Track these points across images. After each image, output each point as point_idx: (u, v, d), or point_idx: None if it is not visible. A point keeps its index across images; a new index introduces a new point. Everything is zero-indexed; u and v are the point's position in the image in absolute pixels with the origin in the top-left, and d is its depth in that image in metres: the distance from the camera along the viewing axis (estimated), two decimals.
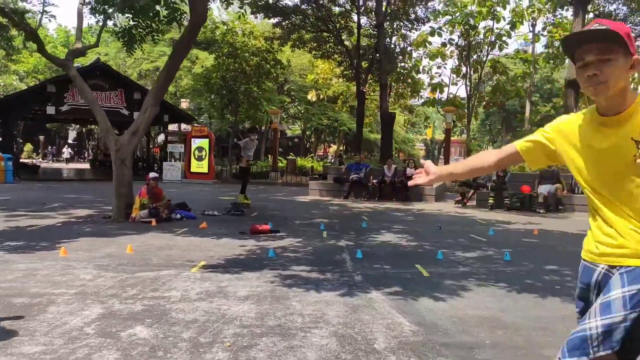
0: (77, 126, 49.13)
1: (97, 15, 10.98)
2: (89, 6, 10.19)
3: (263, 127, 38.83)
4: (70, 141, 55.50)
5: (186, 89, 38.89)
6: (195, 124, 27.53)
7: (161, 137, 35.21)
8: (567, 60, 18.04)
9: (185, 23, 10.76)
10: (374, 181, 14.80)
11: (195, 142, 22.60)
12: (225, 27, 24.71)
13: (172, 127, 34.31)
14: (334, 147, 63.93)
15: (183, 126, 33.96)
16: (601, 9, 17.37)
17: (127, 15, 11.47)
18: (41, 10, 9.07)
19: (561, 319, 3.77)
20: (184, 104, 36.86)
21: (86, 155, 53.30)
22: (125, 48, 11.83)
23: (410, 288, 4.55)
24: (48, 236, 6.86)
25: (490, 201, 12.90)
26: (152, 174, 9.06)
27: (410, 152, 52.15)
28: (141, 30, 11.27)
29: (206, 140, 22.68)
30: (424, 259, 5.94)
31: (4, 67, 40.80)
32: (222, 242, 6.79)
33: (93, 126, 48.75)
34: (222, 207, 10.52)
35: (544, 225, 9.67)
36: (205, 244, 6.67)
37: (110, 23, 16.57)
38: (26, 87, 32.89)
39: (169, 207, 8.97)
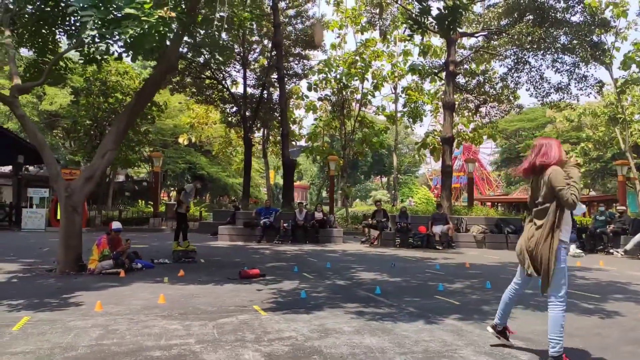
0: None
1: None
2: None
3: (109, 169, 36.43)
4: None
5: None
6: (64, 167, 24.83)
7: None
8: (430, 118, 21.07)
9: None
10: (285, 225, 15.35)
11: None
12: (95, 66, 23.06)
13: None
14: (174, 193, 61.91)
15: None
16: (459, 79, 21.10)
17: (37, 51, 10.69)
18: None
19: (593, 327, 5.00)
20: None
21: None
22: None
23: (466, 314, 5.37)
24: (32, 293, 6.06)
25: (397, 241, 14.49)
26: (115, 225, 8.39)
27: (257, 196, 53.45)
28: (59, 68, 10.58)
29: None
30: (431, 291, 6.83)
31: None
32: (233, 288, 6.78)
33: None
34: (168, 255, 10.08)
35: (457, 259, 11.36)
36: (220, 290, 6.61)
37: None
38: None
39: (129, 257, 8.38)
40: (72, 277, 7.57)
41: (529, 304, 5.98)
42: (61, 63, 11.44)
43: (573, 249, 12.49)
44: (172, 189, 60.90)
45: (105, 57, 9.45)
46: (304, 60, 25.28)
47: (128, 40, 6.79)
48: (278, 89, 23.02)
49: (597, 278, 8.57)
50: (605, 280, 8.29)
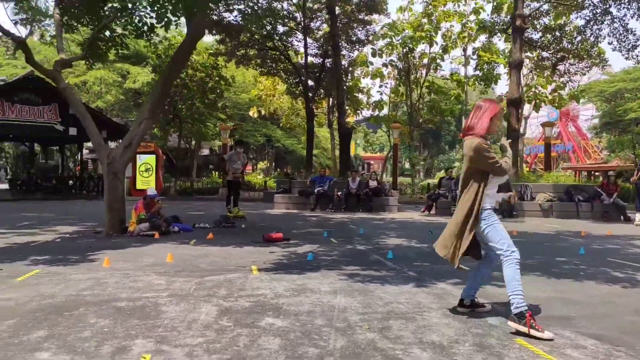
0: None
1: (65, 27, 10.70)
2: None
3: (194, 143, 38.55)
4: None
5: (113, 103, 37.59)
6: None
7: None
8: (502, 82, 19.74)
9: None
10: (339, 193, 15.32)
11: (141, 159, 21.93)
12: (167, 43, 24.26)
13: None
14: (261, 164, 63.98)
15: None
16: (529, 35, 19.48)
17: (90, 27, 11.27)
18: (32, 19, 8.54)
19: (610, 295, 4.47)
20: None
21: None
22: (86, 62, 11.60)
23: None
24: (65, 250, 6.60)
25: (453, 209, 13.89)
26: (150, 191, 8.89)
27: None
28: (105, 43, 11.11)
29: (153, 157, 22.08)
30: None
31: None
32: (249, 250, 6.92)
33: (6, 144, 45.09)
34: (210, 220, 10.49)
35: (511, 227, 10.66)
36: (235, 252, 6.77)
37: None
38: None
39: (166, 220, 8.85)
40: (112, 238, 8.13)
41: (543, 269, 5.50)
42: (117, 40, 12.09)
43: (639, 217, 11.28)
44: (254, 161, 63.09)
45: (147, 30, 9.90)
46: (368, 26, 24.58)
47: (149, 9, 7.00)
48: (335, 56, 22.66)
49: None
50: None
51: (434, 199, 14.57)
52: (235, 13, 18.39)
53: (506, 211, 13.68)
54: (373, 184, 15.61)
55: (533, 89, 22.44)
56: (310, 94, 23.55)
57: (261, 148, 53.65)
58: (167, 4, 6.99)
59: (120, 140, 30.92)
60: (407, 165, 55.14)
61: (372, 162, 71.64)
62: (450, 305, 4.03)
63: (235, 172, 11.41)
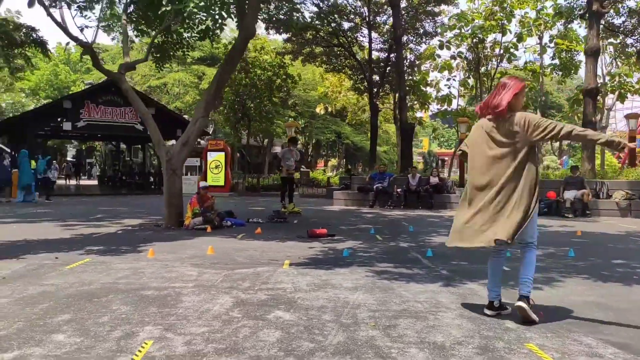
0: (76, 143, 49.14)
1: (136, 32, 11.44)
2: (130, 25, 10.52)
3: (266, 141, 39.66)
4: (69, 158, 55.60)
5: (191, 104, 39.50)
6: (212, 138, 27.93)
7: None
8: (582, 70, 18.47)
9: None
10: (398, 190, 15.08)
11: (211, 156, 22.94)
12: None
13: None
14: (332, 161, 64.22)
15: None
16: (610, 20, 17.99)
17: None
18: (97, 26, 9.28)
19: None
20: None
21: (87, 171, 52.91)
22: (156, 64, 12.33)
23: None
24: (121, 242, 7.09)
25: None
26: (202, 183, 9.34)
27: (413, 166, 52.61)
28: (172, 46, 11.69)
29: (222, 154, 23.01)
30: None
31: (10, 84, 41.25)
32: (290, 245, 7.04)
33: (97, 143, 49.01)
34: (264, 215, 10.76)
35: (578, 227, 9.96)
36: (275, 246, 6.92)
37: (136, 40, 17.08)
38: (37, 105, 33.28)
39: (219, 215, 9.21)
40: (168, 231, 8.59)
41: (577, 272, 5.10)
42: (183, 42, 12.67)
43: None
44: (325, 157, 63.56)
45: (204, 32, 10.37)
46: (436, 18, 23.93)
47: (194, 11, 7.29)
48: (405, 50, 22.28)
49: None
50: None
51: None
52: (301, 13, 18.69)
53: (579, 210, 12.81)
54: (434, 180, 15.21)
55: (617, 78, 20.70)
56: (375, 89, 23.36)
57: (332, 145, 53.93)
58: (215, 4, 7.24)
59: (201, 139, 32.48)
60: None
61: (446, 158, 69.58)
62: (471, 306, 3.87)
63: (288, 169, 11.60)
